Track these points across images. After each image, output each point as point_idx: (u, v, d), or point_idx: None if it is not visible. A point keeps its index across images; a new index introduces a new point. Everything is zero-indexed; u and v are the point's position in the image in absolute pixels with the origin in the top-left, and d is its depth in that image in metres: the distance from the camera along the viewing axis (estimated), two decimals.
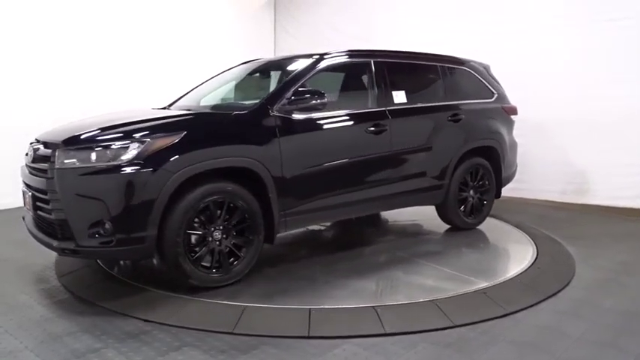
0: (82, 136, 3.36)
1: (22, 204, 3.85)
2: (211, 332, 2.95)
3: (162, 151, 3.26)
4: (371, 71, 4.51)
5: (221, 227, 3.53)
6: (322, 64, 4.26)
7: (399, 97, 4.56)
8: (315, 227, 5.29)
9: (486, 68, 5.54)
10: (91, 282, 3.75)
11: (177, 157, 3.29)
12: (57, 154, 3.29)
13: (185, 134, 3.37)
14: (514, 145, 5.59)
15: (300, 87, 3.97)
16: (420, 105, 4.74)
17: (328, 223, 5.43)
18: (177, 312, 3.19)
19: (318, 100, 3.83)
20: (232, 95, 5.35)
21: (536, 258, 4.31)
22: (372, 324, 3.06)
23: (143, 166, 3.19)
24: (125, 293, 3.50)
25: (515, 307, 3.31)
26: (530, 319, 3.18)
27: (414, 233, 5.34)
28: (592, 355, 2.75)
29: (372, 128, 4.28)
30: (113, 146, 3.24)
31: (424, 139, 4.68)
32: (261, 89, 5.16)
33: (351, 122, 4.25)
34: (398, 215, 5.56)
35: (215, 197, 3.46)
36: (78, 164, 3.24)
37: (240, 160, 3.59)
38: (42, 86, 6.50)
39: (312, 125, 3.98)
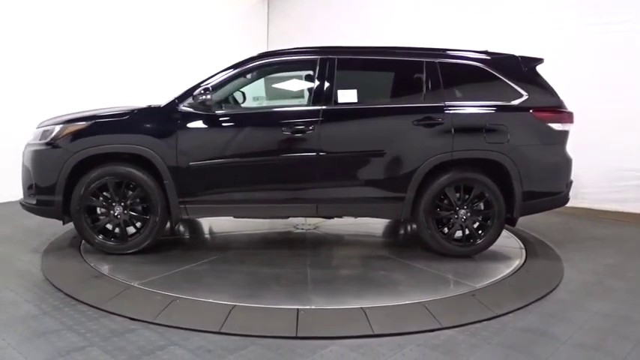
0: (41, 121, 4.38)
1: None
2: (198, 331, 2.93)
3: (69, 135, 4.10)
4: (314, 70, 4.28)
5: (122, 204, 4.17)
6: (250, 64, 4.32)
7: (347, 96, 4.21)
8: (306, 227, 5.27)
9: (523, 63, 4.44)
10: (77, 279, 3.71)
11: (78, 140, 4.08)
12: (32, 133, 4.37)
13: (92, 123, 4.13)
14: (553, 161, 4.39)
15: (208, 85, 4.13)
16: (369, 106, 4.32)
17: (323, 221, 5.42)
18: (163, 310, 3.16)
19: (205, 97, 4.05)
20: (264, 93, 5.84)
21: (524, 261, 4.34)
22: (361, 325, 3.05)
23: (52, 145, 4.10)
24: (111, 291, 3.47)
25: (503, 309, 3.32)
26: (518, 321, 3.19)
27: (408, 237, 5.34)
28: (579, 359, 2.76)
29: (291, 128, 4.11)
30: (46, 129, 4.20)
31: (373, 143, 4.19)
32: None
33: (265, 121, 4.29)
34: None
35: (111, 177, 4.12)
36: (30, 141, 4.30)
37: (132, 148, 4.11)
38: (50, 89, 6.66)
39: (214, 121, 4.21)
